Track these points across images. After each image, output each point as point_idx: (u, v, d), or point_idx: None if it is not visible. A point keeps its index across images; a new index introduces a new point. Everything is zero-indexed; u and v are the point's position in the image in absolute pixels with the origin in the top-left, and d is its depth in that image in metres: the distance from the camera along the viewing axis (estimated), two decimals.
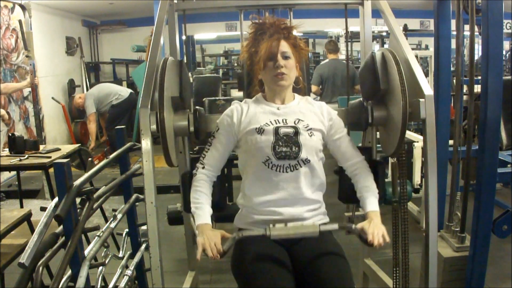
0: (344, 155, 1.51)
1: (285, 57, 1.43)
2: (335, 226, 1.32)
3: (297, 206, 1.42)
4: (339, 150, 1.51)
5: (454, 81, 2.46)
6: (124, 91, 5.56)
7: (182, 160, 1.66)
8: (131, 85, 6.86)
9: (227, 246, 1.29)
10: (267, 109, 1.49)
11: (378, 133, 1.73)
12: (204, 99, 3.17)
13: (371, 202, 1.43)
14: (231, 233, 1.42)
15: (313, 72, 4.78)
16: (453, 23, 2.31)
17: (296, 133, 1.41)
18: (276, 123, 1.44)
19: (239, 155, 1.52)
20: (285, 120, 1.45)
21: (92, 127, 5.49)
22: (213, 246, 1.26)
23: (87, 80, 7.28)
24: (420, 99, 1.39)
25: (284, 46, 1.44)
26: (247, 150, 1.44)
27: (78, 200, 1.39)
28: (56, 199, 1.33)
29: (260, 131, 1.41)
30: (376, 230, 1.30)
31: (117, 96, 5.41)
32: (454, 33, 2.29)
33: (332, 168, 1.69)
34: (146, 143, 1.35)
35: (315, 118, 1.48)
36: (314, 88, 4.63)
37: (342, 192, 1.65)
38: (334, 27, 8.17)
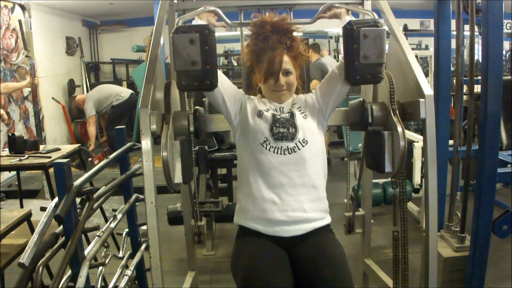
0: (328, 77, 1.52)
1: (287, 73, 1.47)
2: None
3: (298, 191, 1.40)
4: (323, 85, 1.52)
5: (454, 81, 2.46)
6: (124, 92, 5.55)
7: None
8: (131, 85, 6.86)
9: None
10: (267, 102, 1.52)
11: None
12: (204, 99, 3.17)
13: None
14: (231, 233, 1.42)
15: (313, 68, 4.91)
16: (453, 23, 2.31)
17: (292, 115, 1.45)
18: (274, 111, 1.48)
19: (238, 137, 1.51)
20: (282, 108, 1.49)
21: (91, 129, 5.50)
22: None
23: (87, 80, 7.29)
24: (420, 99, 1.39)
25: (286, 62, 1.46)
26: (246, 131, 1.46)
27: (78, 200, 1.39)
28: (56, 199, 1.33)
29: (260, 114, 1.45)
30: None
31: (118, 97, 5.40)
32: (454, 33, 2.29)
33: (330, 170, 1.68)
34: (146, 143, 1.35)
35: (309, 103, 1.52)
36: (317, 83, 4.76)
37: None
38: (334, 27, 8.17)
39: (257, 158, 1.41)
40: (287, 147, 1.40)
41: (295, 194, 1.39)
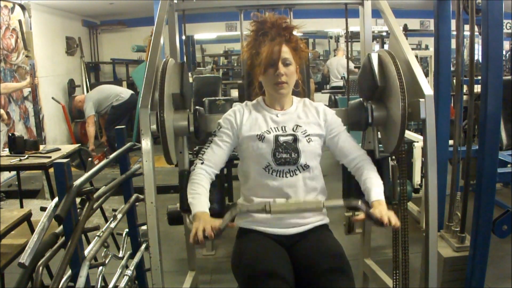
0: (342, 150, 1.51)
1: (286, 64, 1.44)
2: (340, 202, 1.29)
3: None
4: (337, 147, 1.52)
5: (454, 81, 2.46)
6: (125, 92, 5.54)
7: (181, 160, 1.66)
8: (131, 85, 6.86)
9: (223, 223, 1.22)
10: (267, 115, 1.51)
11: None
12: (204, 99, 3.17)
13: (376, 192, 1.41)
14: (231, 233, 1.42)
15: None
16: (453, 23, 2.31)
17: (295, 140, 1.43)
18: (276, 131, 1.46)
19: (240, 158, 1.53)
20: (284, 127, 1.47)
21: (90, 130, 5.48)
22: (208, 227, 1.22)
23: (87, 80, 7.28)
24: (420, 99, 1.40)
25: (286, 52, 1.45)
26: (248, 155, 1.47)
27: (78, 200, 1.39)
28: (56, 199, 1.33)
29: (261, 138, 1.44)
30: (384, 211, 1.29)
31: (118, 98, 5.39)
32: (454, 33, 2.29)
33: (331, 168, 1.69)
34: (146, 143, 1.35)
35: (313, 123, 1.50)
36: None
37: (346, 190, 1.66)
38: (334, 27, 8.18)
39: (259, 180, 1.44)
40: (289, 169, 1.42)
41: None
